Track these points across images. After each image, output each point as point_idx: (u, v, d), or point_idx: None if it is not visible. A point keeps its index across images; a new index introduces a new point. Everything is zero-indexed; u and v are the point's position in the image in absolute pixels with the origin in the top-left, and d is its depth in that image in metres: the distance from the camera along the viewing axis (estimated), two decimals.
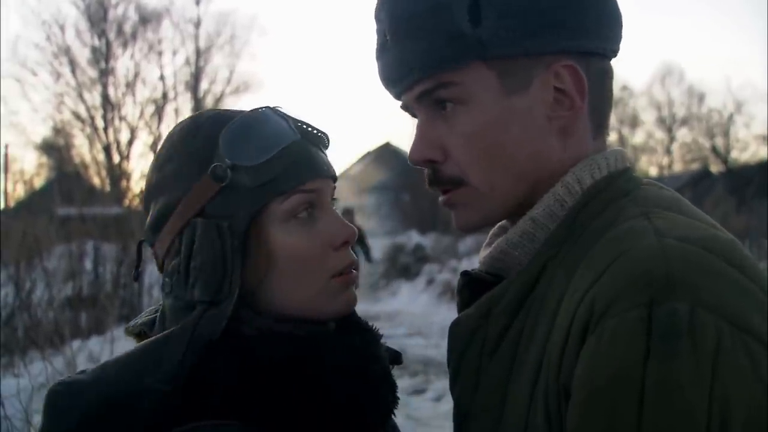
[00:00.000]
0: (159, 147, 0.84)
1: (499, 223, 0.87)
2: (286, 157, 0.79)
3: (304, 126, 0.84)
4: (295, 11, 56.87)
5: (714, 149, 25.63)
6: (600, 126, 0.81)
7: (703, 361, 0.58)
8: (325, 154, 0.86)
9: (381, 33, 0.81)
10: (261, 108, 0.83)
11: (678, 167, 28.92)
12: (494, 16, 0.75)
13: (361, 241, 8.82)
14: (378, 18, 0.82)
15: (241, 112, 0.82)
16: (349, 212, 8.68)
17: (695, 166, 27.60)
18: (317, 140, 0.85)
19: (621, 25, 0.82)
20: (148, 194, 0.83)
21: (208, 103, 26.97)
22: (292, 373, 0.75)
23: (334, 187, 0.86)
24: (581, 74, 0.77)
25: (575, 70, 0.77)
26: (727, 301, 0.61)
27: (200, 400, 0.72)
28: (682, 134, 28.60)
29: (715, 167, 26.95)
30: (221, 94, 27.32)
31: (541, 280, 0.75)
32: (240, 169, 0.77)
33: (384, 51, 0.81)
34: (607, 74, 0.81)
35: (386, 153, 32.54)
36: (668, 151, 29.32)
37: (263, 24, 50.71)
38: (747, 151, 27.54)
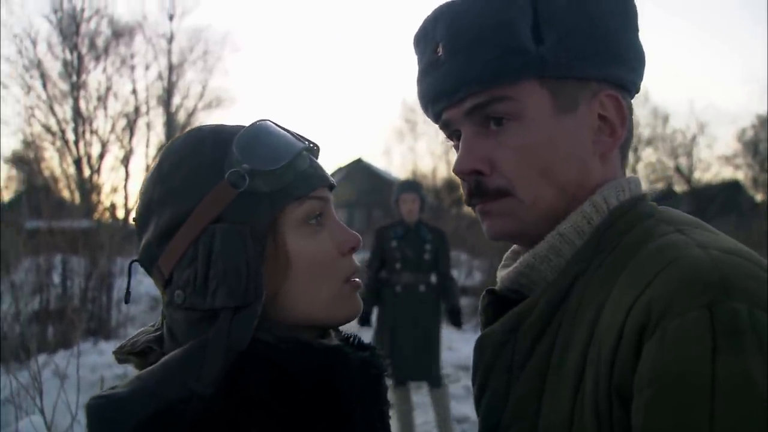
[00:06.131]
0: (155, 164, 0.83)
1: (513, 248, 0.91)
2: (297, 165, 0.81)
3: (301, 137, 0.87)
4: (268, 28, 57.00)
5: (678, 169, 26.15)
6: (625, 157, 0.85)
7: None
8: None
9: (431, 49, 0.82)
10: (261, 120, 0.84)
11: (643, 186, 29.21)
12: (555, 36, 0.77)
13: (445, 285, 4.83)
14: (427, 35, 0.83)
15: (240, 126, 0.83)
16: (416, 187, 4.90)
17: (660, 186, 28.14)
18: (314, 151, 0.88)
19: (645, 64, 0.85)
20: (147, 210, 0.81)
21: (181, 117, 26.94)
22: (321, 386, 0.76)
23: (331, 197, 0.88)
24: (623, 105, 0.81)
25: (618, 101, 0.81)
26: None
27: (234, 409, 0.72)
28: (647, 154, 29.11)
29: (680, 186, 27.50)
30: (193, 109, 27.30)
31: (571, 294, 0.76)
32: (257, 175, 0.78)
33: (435, 66, 0.82)
34: (632, 109, 0.85)
35: (358, 169, 32.67)
36: (634, 171, 29.76)
37: (236, 40, 50.53)
38: (709, 171, 28.21)
